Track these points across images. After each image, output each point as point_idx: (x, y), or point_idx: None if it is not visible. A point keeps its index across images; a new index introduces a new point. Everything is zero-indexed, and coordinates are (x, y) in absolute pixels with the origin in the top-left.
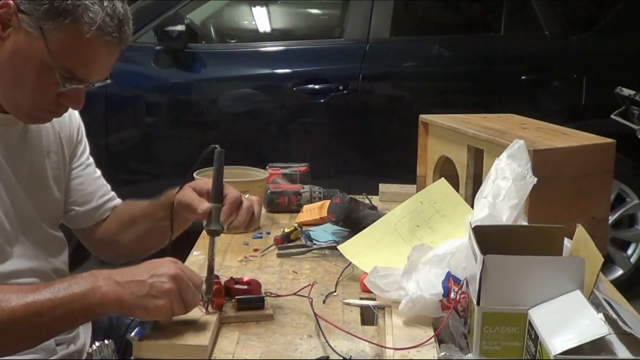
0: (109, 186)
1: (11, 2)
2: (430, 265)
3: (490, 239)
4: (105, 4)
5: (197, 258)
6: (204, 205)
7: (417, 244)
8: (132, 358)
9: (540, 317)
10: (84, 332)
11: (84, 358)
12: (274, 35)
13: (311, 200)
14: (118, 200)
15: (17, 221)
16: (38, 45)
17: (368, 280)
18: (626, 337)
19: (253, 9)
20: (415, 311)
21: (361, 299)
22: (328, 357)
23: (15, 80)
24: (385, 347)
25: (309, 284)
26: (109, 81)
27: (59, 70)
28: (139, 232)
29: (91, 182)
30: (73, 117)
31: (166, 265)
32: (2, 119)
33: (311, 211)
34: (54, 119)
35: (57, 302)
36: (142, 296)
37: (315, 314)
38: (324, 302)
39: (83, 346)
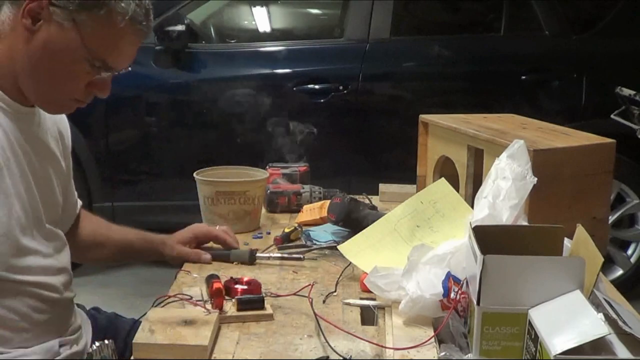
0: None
1: None
2: (430, 265)
3: (490, 239)
4: None
5: None
6: (204, 257)
7: (417, 244)
8: (132, 358)
9: (540, 317)
10: (86, 333)
11: (84, 358)
12: (274, 35)
13: (311, 200)
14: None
15: (32, 217)
16: (71, 36)
17: (368, 280)
18: (626, 337)
19: (253, 9)
20: (415, 311)
21: (361, 299)
22: (328, 357)
23: (49, 72)
24: (385, 347)
25: (309, 284)
26: (130, 69)
27: (91, 60)
28: (107, 255)
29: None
30: (65, 120)
31: None
32: (23, 112)
33: (311, 211)
34: (54, 120)
35: None
36: None
37: (315, 314)
38: (324, 302)
39: (85, 346)
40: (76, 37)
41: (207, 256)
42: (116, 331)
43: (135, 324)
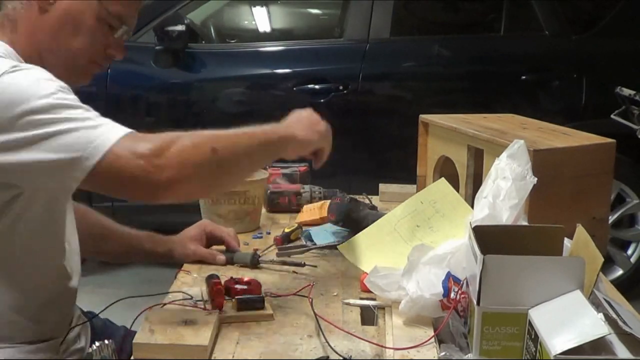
0: None
1: None
2: (430, 265)
3: (490, 239)
4: None
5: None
6: (219, 258)
7: (417, 244)
8: (132, 358)
9: (540, 317)
10: (85, 333)
11: (83, 358)
12: (274, 35)
13: (311, 200)
14: None
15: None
16: None
17: (368, 280)
18: (626, 337)
19: (253, 9)
20: (415, 311)
21: (361, 299)
22: (328, 357)
23: (72, 37)
24: (385, 347)
25: (309, 284)
26: (131, 34)
27: (110, 18)
28: (110, 250)
29: None
30: None
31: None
32: None
33: (311, 211)
34: None
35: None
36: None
37: (315, 314)
38: (324, 302)
39: (84, 347)
40: None
41: (222, 257)
42: (113, 332)
43: (127, 333)
